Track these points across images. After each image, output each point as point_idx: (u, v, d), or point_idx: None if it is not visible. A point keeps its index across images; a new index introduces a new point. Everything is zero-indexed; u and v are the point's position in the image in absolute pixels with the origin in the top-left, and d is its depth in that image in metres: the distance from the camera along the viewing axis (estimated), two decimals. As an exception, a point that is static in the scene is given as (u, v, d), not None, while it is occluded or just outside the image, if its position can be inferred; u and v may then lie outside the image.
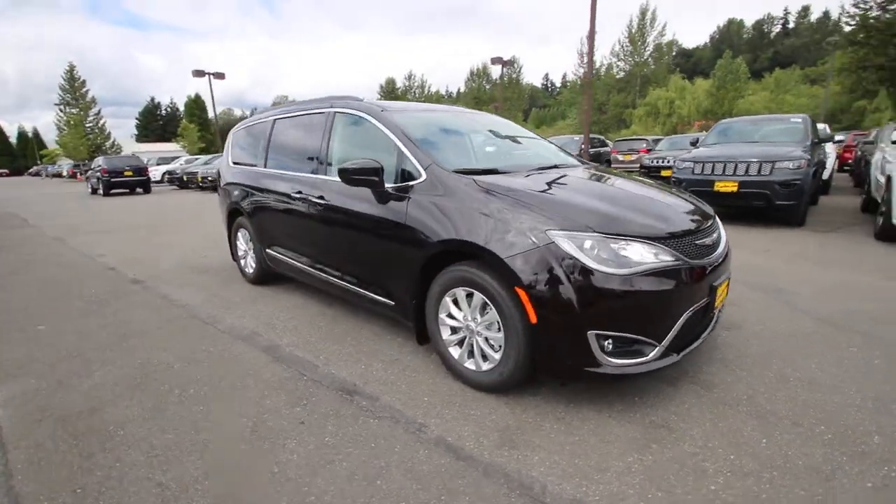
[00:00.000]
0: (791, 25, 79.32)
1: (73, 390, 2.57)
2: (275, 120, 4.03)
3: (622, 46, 40.67)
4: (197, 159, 23.05)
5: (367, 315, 3.56)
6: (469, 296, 2.36)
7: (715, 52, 78.91)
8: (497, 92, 50.00)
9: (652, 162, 12.39)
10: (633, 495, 1.70)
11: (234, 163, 4.60)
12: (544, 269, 2.02)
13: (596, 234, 2.04)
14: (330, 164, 3.27)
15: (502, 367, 2.26)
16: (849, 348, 2.79)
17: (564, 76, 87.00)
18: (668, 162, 11.20)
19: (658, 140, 16.64)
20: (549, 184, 2.52)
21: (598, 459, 1.90)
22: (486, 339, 2.35)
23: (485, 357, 2.38)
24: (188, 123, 49.04)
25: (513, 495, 1.71)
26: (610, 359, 2.02)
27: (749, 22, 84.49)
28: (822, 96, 33.08)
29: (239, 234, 4.57)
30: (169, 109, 75.24)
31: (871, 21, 25.07)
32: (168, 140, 60.73)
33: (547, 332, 2.06)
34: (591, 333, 1.99)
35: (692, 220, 2.38)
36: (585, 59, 43.45)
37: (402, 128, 2.84)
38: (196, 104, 60.84)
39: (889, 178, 5.38)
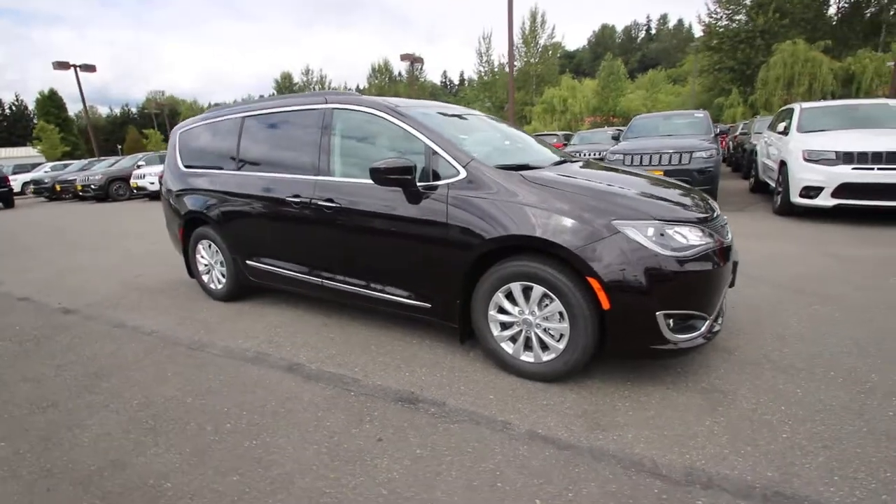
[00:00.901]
0: (654, 31, 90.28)
1: (72, 446, 2.12)
2: (244, 118, 3.64)
3: (517, 47, 42.96)
4: (69, 165, 19.77)
5: (378, 321, 3.40)
6: (527, 289, 2.39)
7: (593, 55, 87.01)
8: (402, 89, 49.95)
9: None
10: (730, 453, 1.88)
11: (187, 166, 4.08)
12: (615, 258, 2.13)
13: (655, 221, 2.19)
14: (331, 164, 3.06)
15: (567, 355, 2.33)
16: (812, 307, 3.32)
17: (462, 74, 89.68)
18: (586, 155, 12.16)
19: (568, 135, 17.93)
20: (584, 177, 2.64)
21: (682, 428, 2.06)
22: (546, 330, 2.40)
23: (544, 348, 2.43)
24: (45, 124, 41.76)
25: (632, 473, 1.79)
26: (674, 335, 2.20)
27: (619, 27, 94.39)
28: (687, 94, 38.19)
29: (199, 246, 4.06)
30: (15, 108, 62.95)
31: (721, 30, 29.63)
32: (19, 144, 51.09)
33: (620, 317, 2.17)
34: (659, 314, 2.15)
35: (710, 205, 2.66)
36: (485, 59, 45.33)
37: (428, 126, 2.76)
38: (51, 101, 51.88)
39: (783, 163, 6.44)
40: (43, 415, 2.41)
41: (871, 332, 2.86)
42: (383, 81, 51.49)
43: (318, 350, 3.01)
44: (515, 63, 43.92)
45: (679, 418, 2.12)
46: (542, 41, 42.55)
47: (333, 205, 2.96)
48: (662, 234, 2.16)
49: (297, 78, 52.59)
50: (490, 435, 2.07)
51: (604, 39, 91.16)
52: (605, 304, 2.16)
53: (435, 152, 2.65)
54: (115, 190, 14.80)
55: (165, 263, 5.67)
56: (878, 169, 5.32)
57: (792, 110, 7.29)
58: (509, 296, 2.46)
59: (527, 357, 2.48)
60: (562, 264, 2.26)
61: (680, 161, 7.14)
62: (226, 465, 1.95)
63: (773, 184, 7.13)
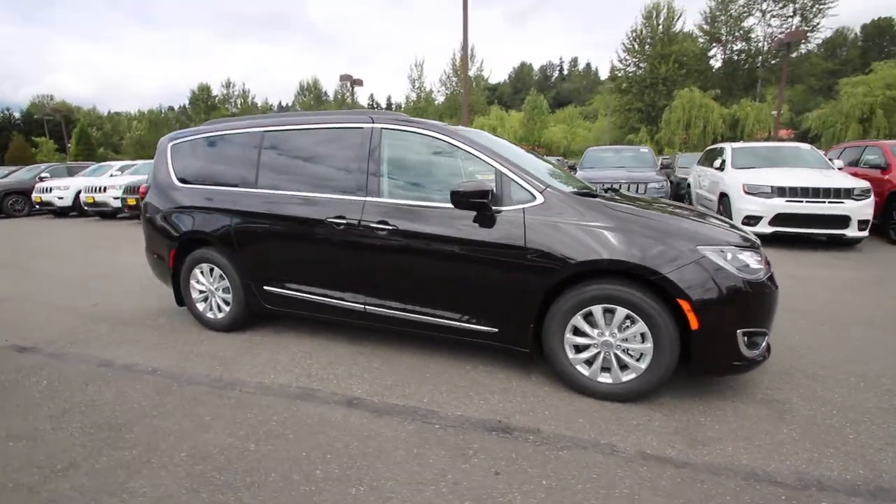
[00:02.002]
0: (566, 72, 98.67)
1: (135, 514, 1.76)
2: (264, 132, 3.38)
3: (448, 77, 44.59)
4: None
5: (416, 347, 3.26)
6: (608, 311, 2.46)
7: (513, 89, 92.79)
8: (332, 109, 49.15)
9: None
10: (820, 457, 2.05)
11: (184, 181, 3.66)
12: (702, 281, 2.28)
13: (731, 246, 2.39)
14: (381, 185, 2.94)
15: (649, 374, 2.42)
16: (798, 322, 3.77)
17: (389, 98, 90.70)
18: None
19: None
20: (643, 205, 2.80)
21: (767, 437, 2.21)
22: (626, 351, 2.48)
23: (622, 368, 2.50)
24: None
25: (754, 483, 1.89)
26: (748, 351, 2.39)
27: (536, 66, 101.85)
28: (601, 129, 42.04)
29: (196, 270, 3.63)
30: None
31: (630, 75, 33.22)
32: None
33: (707, 336, 2.31)
34: (739, 332, 2.32)
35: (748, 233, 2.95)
36: (417, 84, 46.33)
37: (494, 149, 2.77)
38: None
39: (723, 195, 7.32)
40: (65, 480, 1.97)
41: (860, 342, 3.32)
42: (311, 100, 50.31)
43: (369, 382, 2.81)
44: (445, 91, 45.48)
45: (758, 429, 2.28)
46: (471, 72, 44.53)
47: (388, 227, 2.83)
48: (737, 259, 2.37)
49: (217, 90, 49.56)
50: (603, 459, 2.07)
51: (522, 76, 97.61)
52: (694, 325, 2.29)
53: (506, 176, 2.67)
54: (9, 205, 12.69)
55: (121, 290, 4.98)
56: (806, 202, 6.26)
57: (723, 149, 8.34)
58: (588, 318, 2.51)
59: (604, 378, 2.53)
60: (647, 287, 2.37)
61: (637, 191, 7.82)
62: (343, 518, 1.74)
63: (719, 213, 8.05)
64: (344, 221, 2.95)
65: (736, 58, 31.39)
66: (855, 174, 7.12)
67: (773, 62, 31.22)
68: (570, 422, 2.36)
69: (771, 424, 2.32)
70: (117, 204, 10.98)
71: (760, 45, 30.27)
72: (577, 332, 2.54)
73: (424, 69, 46.19)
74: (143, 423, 2.38)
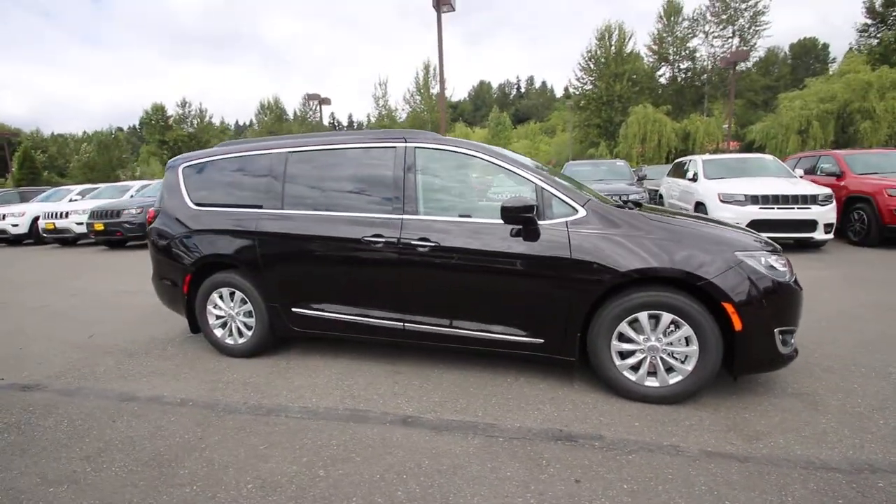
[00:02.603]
0: (523, 90, 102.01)
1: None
2: (288, 154, 3.35)
3: (412, 95, 45.11)
4: None
5: (451, 362, 3.26)
6: (653, 317, 2.57)
7: (473, 106, 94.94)
8: (295, 128, 48.50)
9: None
10: (861, 442, 2.21)
11: (200, 205, 3.55)
12: (743, 284, 2.44)
13: (762, 251, 2.57)
14: (418, 203, 2.97)
15: (695, 376, 2.54)
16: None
17: (351, 117, 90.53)
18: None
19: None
20: (673, 215, 2.96)
21: (810, 428, 2.35)
22: (671, 355, 2.59)
23: (668, 371, 2.61)
24: None
25: (813, 471, 2.01)
26: (783, 348, 2.55)
27: (495, 84, 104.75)
28: (561, 144, 43.58)
29: (214, 295, 3.50)
30: None
31: (587, 93, 34.74)
32: None
33: (749, 336, 2.45)
34: (776, 330, 2.49)
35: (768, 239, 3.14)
36: (381, 103, 46.54)
37: (530, 166, 2.87)
38: None
39: (699, 203, 7.76)
40: (132, 521, 1.86)
41: (860, 336, 3.60)
42: (272, 119, 49.49)
43: (417, 400, 2.79)
44: (409, 109, 45.89)
45: (799, 420, 2.44)
46: (434, 90, 45.22)
47: (429, 244, 2.86)
48: (769, 263, 2.55)
49: (172, 110, 47.82)
50: (671, 460, 2.15)
51: (482, 93, 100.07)
52: (738, 326, 2.44)
53: (546, 191, 2.76)
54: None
55: (115, 320, 4.71)
56: (777, 208, 6.75)
57: (693, 161, 8.87)
58: (634, 325, 2.61)
59: (651, 382, 2.63)
60: (691, 292, 2.50)
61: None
62: (443, 537, 1.73)
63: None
64: (382, 240, 2.95)
65: (683, 76, 33.59)
66: (814, 181, 7.74)
67: (714, 79, 33.61)
68: (627, 426, 2.43)
69: (809, 416, 2.48)
70: (81, 230, 10.36)
71: (705, 63, 32.61)
72: (623, 338, 2.64)
73: (388, 88, 46.52)
74: (193, 457, 2.27)
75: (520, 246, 2.72)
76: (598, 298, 2.61)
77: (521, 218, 2.63)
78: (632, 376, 2.66)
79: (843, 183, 7.60)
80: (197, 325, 3.65)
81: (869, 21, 27.17)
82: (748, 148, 27.54)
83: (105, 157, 43.74)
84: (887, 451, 2.16)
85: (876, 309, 4.30)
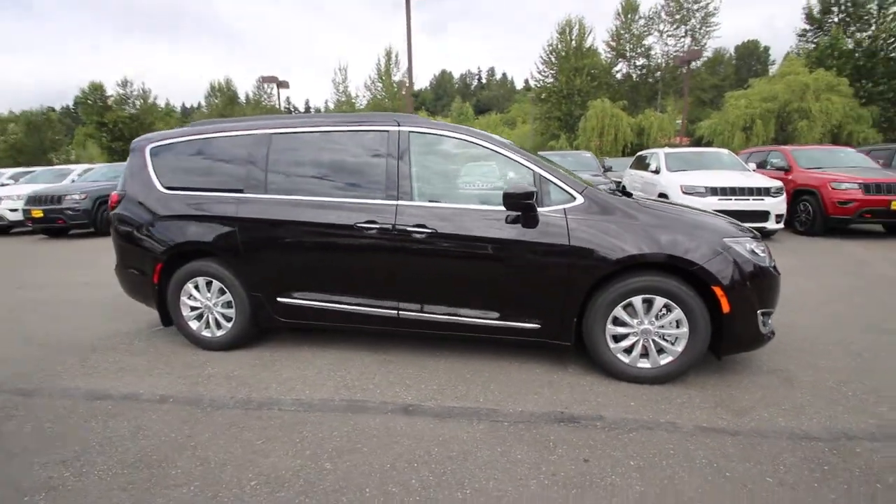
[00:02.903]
0: (484, 81, 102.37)
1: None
2: (271, 135, 3.18)
3: (373, 82, 44.17)
4: None
5: (450, 350, 3.22)
6: (647, 301, 2.65)
7: (435, 95, 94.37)
8: (248, 111, 46.37)
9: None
10: (838, 413, 2.38)
11: (171, 188, 3.32)
12: (730, 269, 2.55)
13: (746, 237, 2.70)
14: (413, 189, 2.91)
15: (685, 357, 2.65)
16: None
17: (308, 102, 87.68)
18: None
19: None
20: (664, 203, 3.05)
21: (789, 402, 2.51)
22: (662, 337, 2.69)
23: (659, 353, 2.71)
24: None
25: (799, 440, 2.15)
26: (763, 329, 2.70)
27: (456, 74, 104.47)
28: (522, 135, 44.14)
29: (189, 285, 3.29)
30: None
31: (548, 86, 35.28)
32: None
33: (735, 318, 2.58)
34: (758, 312, 2.63)
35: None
36: (342, 88, 45.26)
37: (527, 152, 2.87)
38: None
39: (662, 195, 8.09)
40: (126, 526, 1.72)
41: (824, 318, 3.88)
42: (223, 102, 47.00)
43: (414, 388, 2.75)
44: (370, 96, 44.95)
45: (778, 395, 2.59)
46: (396, 78, 44.49)
47: (426, 230, 2.80)
48: (752, 248, 2.68)
49: (112, 90, 44.33)
50: (670, 437, 2.23)
51: (444, 83, 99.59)
52: (726, 308, 2.56)
53: (543, 178, 2.77)
54: None
55: (71, 314, 4.36)
56: (735, 199, 7.14)
57: (655, 154, 9.22)
58: (628, 309, 2.68)
59: (643, 363, 2.72)
60: (682, 277, 2.60)
61: (587, 192, 8.36)
62: (464, 522, 1.71)
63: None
64: (376, 226, 2.86)
65: (638, 73, 34.85)
66: (764, 175, 8.25)
67: (667, 77, 35.08)
68: (624, 406, 2.51)
69: (786, 391, 2.65)
70: (15, 217, 9.49)
71: (659, 61, 33.94)
72: (617, 322, 2.71)
73: (348, 73, 45.24)
74: (184, 456, 2.13)
75: (518, 232, 2.72)
76: (595, 284, 2.66)
77: (522, 205, 2.62)
78: (625, 358, 2.74)
79: (790, 176, 8.14)
80: (169, 317, 3.43)
81: (807, 26, 29.16)
82: (697, 143, 28.97)
83: (35, 138, 40.17)
84: (858, 419, 2.34)
85: (829, 292, 4.65)
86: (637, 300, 2.65)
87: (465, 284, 2.86)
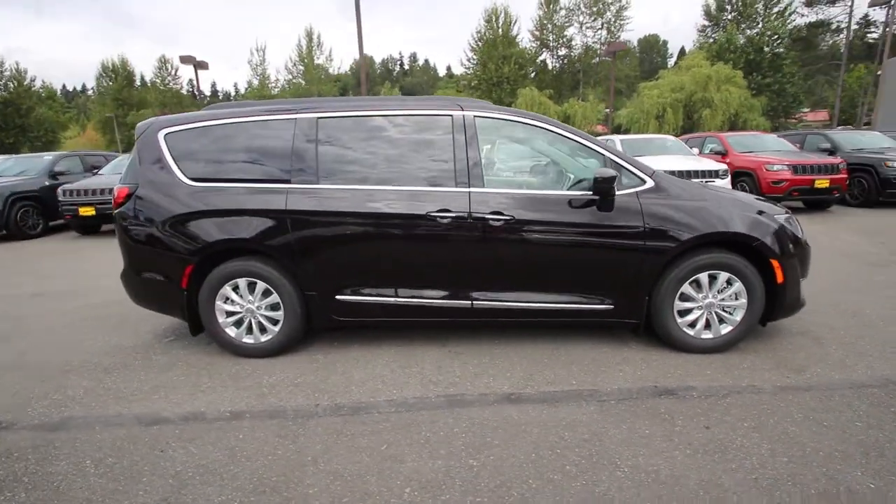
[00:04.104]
0: (407, 67, 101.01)
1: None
2: (319, 118, 2.92)
3: (294, 64, 41.67)
4: None
5: (506, 337, 3.22)
6: (712, 277, 2.85)
7: (356, 80, 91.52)
8: (151, 96, 41.68)
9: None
10: (871, 362, 2.77)
11: (198, 180, 2.93)
12: (783, 243, 2.83)
13: (788, 214, 3.00)
14: (484, 175, 2.84)
15: (743, 326, 2.90)
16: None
17: (214, 84, 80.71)
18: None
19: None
20: (706, 185, 3.26)
21: (830, 356, 2.85)
22: (724, 308, 2.91)
23: (720, 323, 2.93)
24: None
25: (859, 388, 2.47)
26: (802, 296, 3.03)
27: (377, 59, 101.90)
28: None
29: (227, 288, 2.95)
30: None
31: (478, 73, 35.74)
32: None
33: (786, 287, 2.86)
34: (801, 280, 2.95)
35: None
36: (259, 71, 42.16)
37: (597, 139, 2.92)
38: None
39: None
40: (298, 557, 1.55)
41: (818, 287, 4.40)
42: (121, 84, 41.73)
43: (502, 377, 2.73)
44: (293, 80, 42.45)
45: (818, 353, 2.93)
46: (319, 61, 42.40)
47: (504, 217, 2.76)
48: (793, 223, 2.98)
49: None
50: (759, 398, 2.44)
51: (364, 68, 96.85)
52: (780, 279, 2.83)
53: (615, 163, 2.85)
54: None
55: (43, 330, 3.72)
56: (691, 182, 7.82)
57: (612, 140, 9.79)
58: (696, 284, 2.87)
59: (706, 335, 2.94)
60: (746, 251, 2.83)
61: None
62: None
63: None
64: (451, 215, 2.77)
65: (561, 63, 36.51)
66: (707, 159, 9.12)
67: (586, 67, 37.13)
68: (704, 375, 2.70)
69: (820, 348, 3.01)
70: None
71: (580, 52, 35.78)
72: (683, 297, 2.89)
73: (266, 55, 42.20)
74: (310, 473, 1.95)
75: (595, 216, 2.78)
76: (667, 263, 2.81)
77: (606, 189, 2.68)
78: (690, 331, 2.93)
79: (728, 160, 9.08)
80: (199, 325, 3.06)
81: (706, 23, 32.41)
82: (616, 131, 31.16)
83: None
84: (885, 366, 2.73)
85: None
86: (704, 276, 2.84)
87: (541, 270, 2.87)
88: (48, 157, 9.71)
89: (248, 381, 2.76)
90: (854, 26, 32.35)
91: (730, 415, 2.29)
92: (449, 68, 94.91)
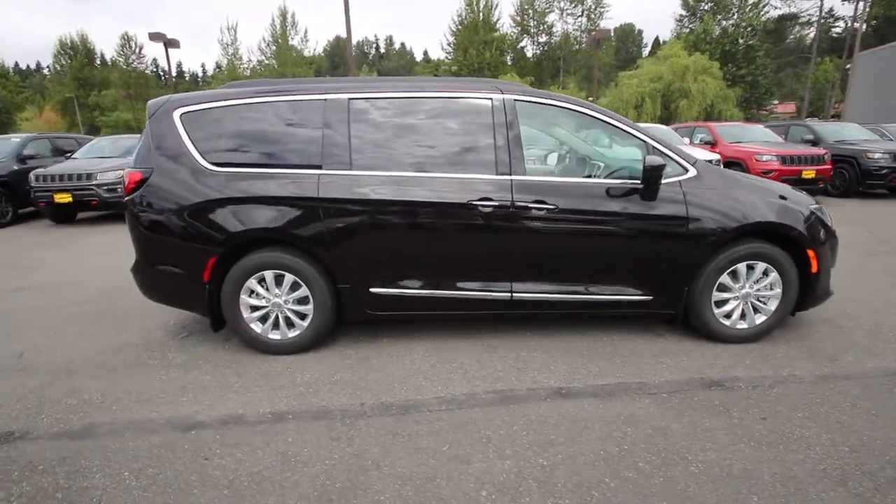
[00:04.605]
0: (383, 50, 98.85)
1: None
2: (351, 99, 2.75)
3: (267, 45, 40.11)
4: None
5: (541, 329, 3.16)
6: (750, 267, 2.86)
7: (330, 63, 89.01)
8: (114, 76, 39.47)
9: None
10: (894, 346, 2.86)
11: (219, 164, 2.73)
12: (818, 232, 2.85)
13: (819, 205, 3.02)
14: (525, 162, 2.75)
15: (776, 315, 2.92)
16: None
17: (181, 64, 77.07)
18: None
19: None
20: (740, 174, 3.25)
21: (857, 343, 2.91)
22: (759, 299, 2.93)
23: (755, 312, 2.95)
24: None
25: (892, 375, 2.55)
26: (830, 285, 3.08)
27: (353, 41, 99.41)
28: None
29: (251, 281, 2.78)
30: None
31: (459, 58, 35.32)
32: None
33: (819, 277, 2.89)
34: (831, 269, 2.99)
35: None
36: (231, 51, 40.41)
37: (638, 125, 2.85)
38: None
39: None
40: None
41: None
42: (81, 62, 39.33)
43: (546, 371, 2.67)
44: (265, 62, 40.90)
45: (844, 341, 2.98)
46: (293, 42, 40.97)
47: (546, 206, 2.68)
48: (824, 213, 3.01)
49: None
50: (802, 387, 2.46)
51: (339, 50, 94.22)
52: (815, 269, 2.85)
53: (658, 151, 2.79)
54: None
55: (37, 328, 3.45)
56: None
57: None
58: (734, 275, 2.87)
59: (741, 325, 2.95)
60: (783, 241, 2.83)
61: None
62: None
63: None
64: (494, 203, 2.66)
65: (541, 49, 36.44)
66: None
67: (567, 55, 37.18)
68: (744, 366, 2.71)
69: (845, 337, 3.05)
70: None
71: (560, 39, 35.74)
72: (721, 287, 2.89)
73: (238, 34, 40.43)
74: (376, 478, 1.85)
75: (639, 206, 2.73)
76: (709, 253, 2.79)
77: (655, 177, 2.63)
78: (727, 322, 2.94)
79: (717, 150, 9.24)
80: (221, 320, 2.88)
81: (683, 13, 32.90)
82: (596, 119, 31.40)
83: None
84: (917, 352, 2.82)
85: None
86: (742, 266, 2.84)
87: (582, 261, 2.81)
88: (15, 139, 9.02)
89: (281, 380, 2.62)
90: (822, 19, 33.46)
91: (781, 405, 2.31)
92: (426, 52, 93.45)
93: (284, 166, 2.73)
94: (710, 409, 2.28)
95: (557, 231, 2.74)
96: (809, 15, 32.92)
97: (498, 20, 35.27)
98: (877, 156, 8.37)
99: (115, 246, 6.07)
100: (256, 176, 2.71)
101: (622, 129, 2.83)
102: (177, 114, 2.77)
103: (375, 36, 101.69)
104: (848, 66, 23.44)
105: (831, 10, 36.08)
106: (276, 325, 2.88)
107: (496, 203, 2.67)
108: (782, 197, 2.91)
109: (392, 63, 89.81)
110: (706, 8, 31.84)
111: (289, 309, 2.85)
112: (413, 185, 2.70)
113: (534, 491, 1.77)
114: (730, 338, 2.94)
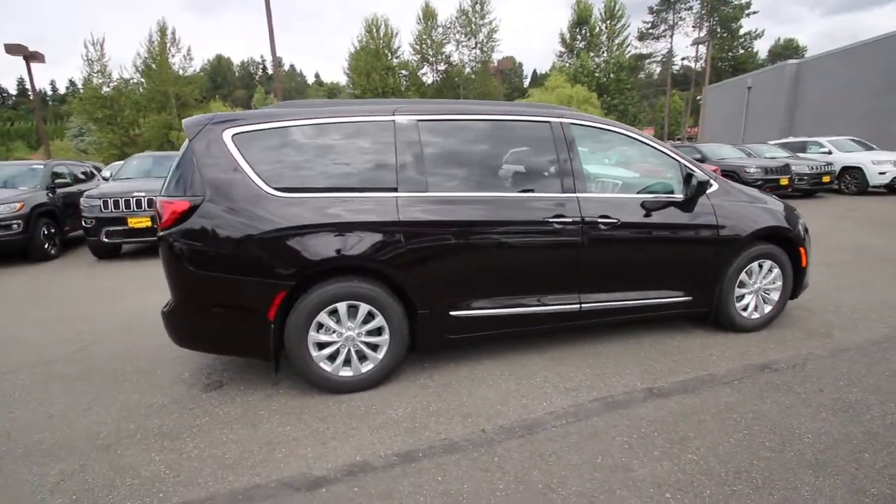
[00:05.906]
0: (270, 71, 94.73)
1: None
2: (419, 121, 2.69)
3: (144, 60, 36.06)
4: None
5: (586, 335, 3.32)
6: (760, 265, 3.34)
7: (212, 83, 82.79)
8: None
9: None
10: (877, 324, 3.54)
11: (285, 189, 2.47)
12: (803, 231, 3.45)
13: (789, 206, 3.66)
14: (586, 181, 2.94)
15: (779, 306, 3.45)
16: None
17: (22, 82, 65.62)
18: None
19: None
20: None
21: (854, 322, 3.54)
22: (765, 292, 3.43)
23: (764, 303, 3.44)
24: None
25: (886, 344, 3.15)
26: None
27: (236, 60, 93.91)
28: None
29: (322, 315, 2.53)
30: None
31: (362, 83, 35.14)
32: None
33: (806, 269, 3.49)
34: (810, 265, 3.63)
35: None
36: (96, 67, 35.51)
37: (670, 146, 3.20)
38: None
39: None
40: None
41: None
42: None
43: (621, 375, 2.82)
44: (140, 81, 36.77)
45: (826, 321, 3.58)
46: (174, 60, 37.48)
47: (610, 220, 2.88)
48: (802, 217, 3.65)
49: None
50: (827, 362, 2.92)
51: (221, 70, 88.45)
52: (804, 263, 3.44)
53: (688, 168, 3.17)
54: None
55: (21, 396, 2.73)
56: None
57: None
58: (749, 273, 3.33)
59: (754, 315, 3.42)
60: (781, 242, 3.37)
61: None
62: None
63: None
64: (566, 220, 2.79)
65: (441, 78, 38.00)
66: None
67: (465, 83, 39.28)
68: (771, 349, 3.14)
69: (826, 317, 3.67)
70: None
71: (458, 67, 37.67)
72: (740, 284, 3.34)
73: (105, 48, 35.73)
74: (554, 501, 1.81)
75: (682, 216, 3.07)
76: (734, 255, 3.21)
77: (701, 192, 2.98)
78: (745, 314, 3.39)
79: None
80: (278, 358, 2.57)
81: (562, 49, 36.97)
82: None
83: None
84: (883, 325, 3.50)
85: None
86: (755, 265, 3.32)
87: (639, 268, 3.06)
88: (38, 165, 8.03)
89: (376, 419, 2.41)
90: (668, 58, 40.01)
91: (825, 377, 2.73)
92: (318, 75, 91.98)
93: (356, 190, 2.57)
94: (779, 389, 2.61)
95: (619, 242, 2.96)
96: (662, 55, 39.09)
97: (398, 48, 36.11)
98: (751, 170, 10.27)
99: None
100: (327, 200, 2.51)
101: (657, 150, 3.17)
102: (228, 135, 2.46)
103: (262, 56, 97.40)
104: (699, 97, 28.32)
105: (670, 51, 43.30)
106: (347, 362, 2.65)
107: (568, 219, 2.81)
108: (778, 204, 3.48)
109: (283, 85, 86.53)
110: (581, 46, 36.24)
111: (359, 343, 2.65)
112: (490, 205, 2.71)
113: (705, 484, 1.88)
114: (746, 328, 3.39)
